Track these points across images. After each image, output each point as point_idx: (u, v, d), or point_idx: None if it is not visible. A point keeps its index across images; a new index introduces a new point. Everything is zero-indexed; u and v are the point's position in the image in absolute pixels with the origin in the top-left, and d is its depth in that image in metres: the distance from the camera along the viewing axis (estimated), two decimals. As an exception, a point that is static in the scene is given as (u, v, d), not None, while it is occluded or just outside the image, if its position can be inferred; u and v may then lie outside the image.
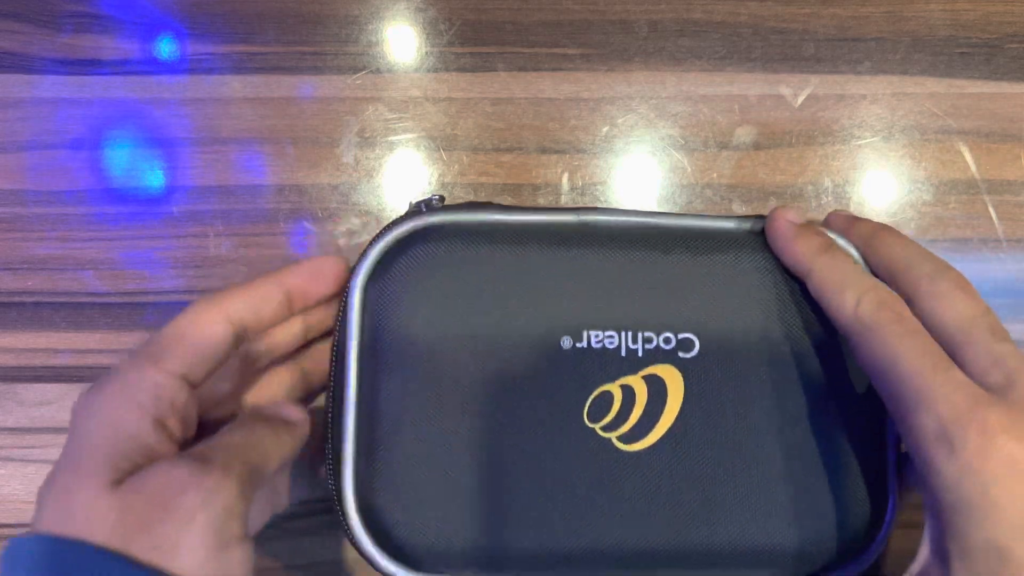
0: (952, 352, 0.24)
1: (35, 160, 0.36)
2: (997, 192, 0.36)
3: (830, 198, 0.35)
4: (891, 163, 0.36)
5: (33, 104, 0.36)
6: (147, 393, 0.23)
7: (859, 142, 0.36)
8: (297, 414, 0.27)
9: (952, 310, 0.25)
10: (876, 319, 0.24)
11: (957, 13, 0.37)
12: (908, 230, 0.36)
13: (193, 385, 0.25)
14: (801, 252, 0.27)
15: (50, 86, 0.36)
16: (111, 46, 0.36)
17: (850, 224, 0.28)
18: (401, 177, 0.36)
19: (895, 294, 0.25)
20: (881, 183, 0.36)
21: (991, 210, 0.36)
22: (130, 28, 0.36)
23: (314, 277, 0.27)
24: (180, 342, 0.25)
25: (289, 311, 0.27)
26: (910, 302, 0.25)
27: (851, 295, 0.25)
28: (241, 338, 0.26)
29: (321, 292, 0.28)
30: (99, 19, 0.36)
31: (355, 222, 0.36)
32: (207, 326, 0.25)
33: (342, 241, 0.36)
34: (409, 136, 0.36)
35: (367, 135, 0.36)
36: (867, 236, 0.28)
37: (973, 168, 0.36)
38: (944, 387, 0.22)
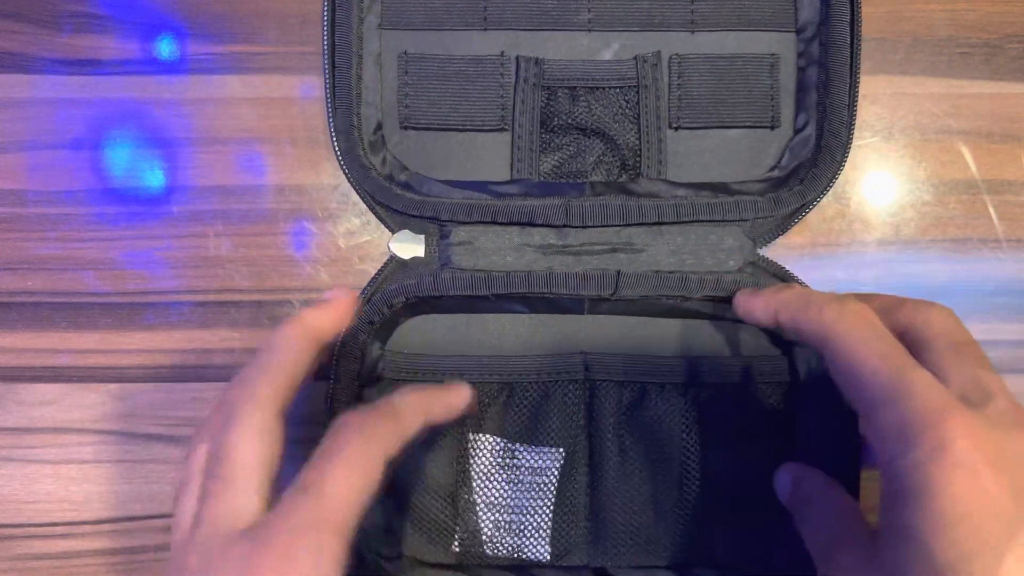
0: (936, 369, 0.24)
1: (35, 160, 0.36)
2: (997, 192, 0.36)
3: (830, 198, 0.35)
4: (891, 163, 0.36)
5: (33, 104, 0.36)
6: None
7: (859, 142, 0.36)
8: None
9: (942, 333, 0.25)
10: (847, 322, 0.25)
11: (957, 13, 0.37)
12: (908, 230, 0.36)
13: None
14: (769, 305, 0.29)
15: (50, 86, 0.36)
16: (111, 46, 0.36)
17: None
18: (401, 177, 0.36)
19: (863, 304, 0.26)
20: (881, 183, 0.36)
21: (991, 210, 0.36)
22: (130, 28, 0.36)
23: (334, 316, 0.28)
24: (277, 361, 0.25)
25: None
26: (900, 332, 0.25)
27: (817, 306, 0.26)
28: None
29: (337, 329, 0.29)
30: (99, 19, 0.36)
31: (355, 222, 0.36)
32: (303, 359, 0.26)
33: (342, 241, 0.36)
34: (409, 136, 0.36)
35: (367, 135, 0.36)
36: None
37: (973, 168, 0.36)
38: (915, 384, 0.22)
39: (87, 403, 0.35)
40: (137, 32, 0.36)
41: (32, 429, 0.35)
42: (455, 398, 0.29)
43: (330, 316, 0.27)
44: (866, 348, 0.24)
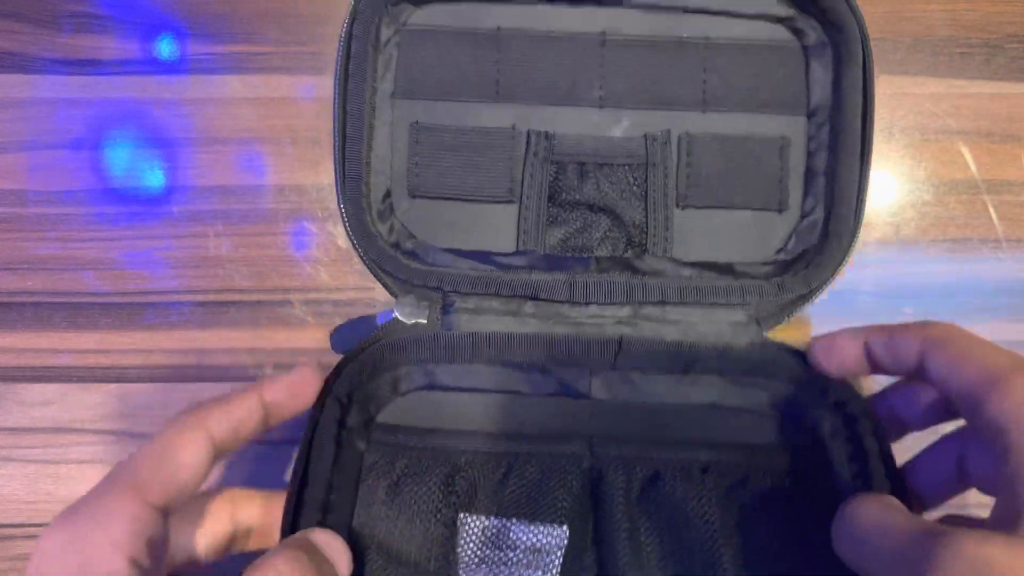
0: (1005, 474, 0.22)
1: (35, 160, 0.36)
2: (997, 192, 0.36)
3: (830, 198, 0.35)
4: (891, 163, 0.36)
5: (33, 104, 0.36)
6: (124, 528, 0.21)
7: (859, 142, 0.36)
8: (346, 562, 0.25)
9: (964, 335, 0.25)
10: (945, 332, 0.25)
11: (957, 13, 0.37)
12: (908, 230, 0.36)
13: (168, 514, 0.23)
14: (856, 337, 0.27)
15: (50, 86, 0.36)
16: (111, 46, 0.36)
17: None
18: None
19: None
20: (881, 183, 0.36)
21: (991, 210, 0.36)
22: (130, 28, 0.36)
23: (294, 394, 0.27)
24: (161, 468, 0.23)
25: (265, 427, 0.26)
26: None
27: (905, 327, 0.26)
28: (219, 458, 0.25)
29: (299, 408, 0.27)
30: (99, 19, 0.36)
31: (355, 222, 0.36)
32: (190, 450, 0.24)
33: (342, 241, 0.36)
34: (409, 136, 0.36)
35: (367, 135, 0.36)
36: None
37: (973, 168, 0.36)
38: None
39: (87, 403, 0.35)
40: (137, 32, 0.36)
41: (32, 429, 0.35)
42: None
43: (288, 394, 0.27)
44: (969, 345, 0.24)
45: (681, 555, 0.30)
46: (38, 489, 0.35)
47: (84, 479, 0.35)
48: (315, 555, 0.24)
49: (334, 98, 0.32)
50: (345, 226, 0.32)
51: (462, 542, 0.31)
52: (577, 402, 0.33)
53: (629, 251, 0.33)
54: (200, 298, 0.35)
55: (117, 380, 0.35)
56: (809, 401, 0.30)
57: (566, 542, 0.30)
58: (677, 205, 0.33)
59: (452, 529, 0.31)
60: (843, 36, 0.31)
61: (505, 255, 0.33)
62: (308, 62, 0.36)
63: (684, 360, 0.31)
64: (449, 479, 0.31)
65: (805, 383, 0.30)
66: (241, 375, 0.35)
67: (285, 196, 0.36)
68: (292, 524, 0.26)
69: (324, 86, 0.36)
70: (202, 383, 0.35)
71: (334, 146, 0.32)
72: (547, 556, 0.30)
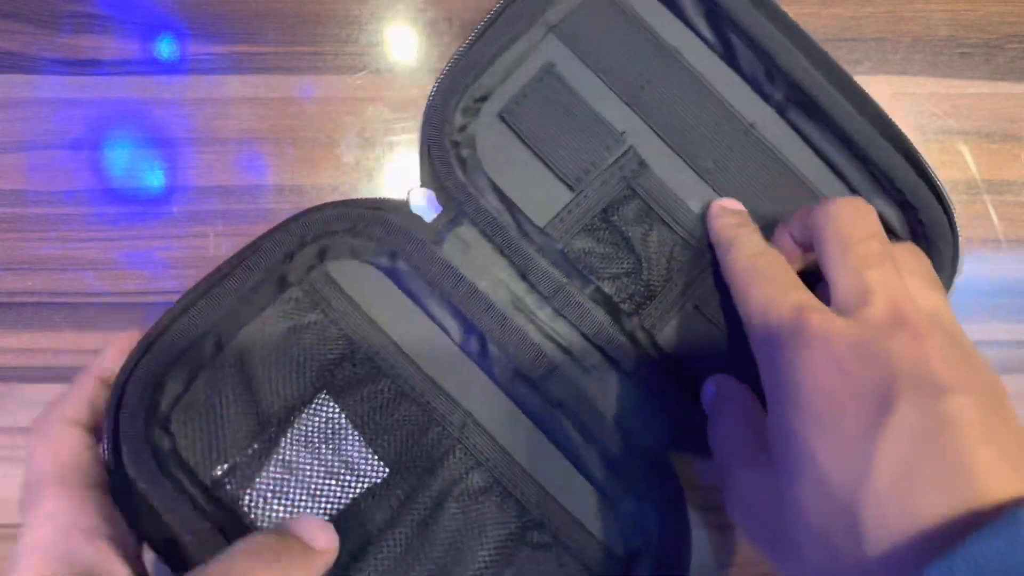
0: (825, 273, 0.25)
1: (35, 160, 0.36)
2: (997, 192, 0.36)
3: (830, 198, 0.35)
4: (891, 163, 0.36)
5: (33, 104, 0.36)
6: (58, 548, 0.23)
7: (859, 142, 0.36)
8: (326, 539, 0.25)
9: (834, 233, 0.26)
10: (730, 235, 0.29)
11: (957, 13, 0.37)
12: (908, 230, 0.36)
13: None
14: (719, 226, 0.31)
15: (50, 86, 0.36)
16: (111, 46, 0.36)
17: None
18: (401, 177, 0.36)
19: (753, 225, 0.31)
20: (881, 183, 0.36)
21: (991, 210, 0.36)
22: (130, 28, 0.36)
23: (120, 356, 0.28)
24: (53, 473, 0.25)
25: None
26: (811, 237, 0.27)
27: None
28: (95, 431, 0.27)
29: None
30: (99, 19, 0.36)
31: (355, 222, 0.36)
32: (67, 442, 0.26)
33: (342, 241, 0.36)
34: (409, 136, 0.36)
35: (367, 135, 0.36)
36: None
37: (973, 168, 0.36)
38: (781, 296, 0.26)
39: (87, 403, 0.35)
40: (137, 32, 0.36)
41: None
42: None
43: (119, 359, 0.28)
44: (751, 285, 0.27)
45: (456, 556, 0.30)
46: None
47: (84, 479, 0.35)
48: (284, 540, 0.24)
49: None
50: (433, 91, 0.32)
51: (305, 418, 0.30)
52: (486, 382, 0.32)
53: (627, 303, 0.33)
54: (200, 298, 0.35)
55: (117, 380, 0.35)
56: None
57: (373, 481, 0.30)
58: (694, 304, 0.33)
59: (308, 400, 0.30)
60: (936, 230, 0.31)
61: (531, 225, 0.33)
62: (308, 62, 0.36)
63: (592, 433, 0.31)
64: (340, 358, 0.31)
65: None
66: (241, 375, 0.35)
67: (285, 196, 0.36)
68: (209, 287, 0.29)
69: (324, 86, 0.36)
70: (202, 383, 0.35)
71: (475, 29, 0.32)
72: (349, 480, 0.30)
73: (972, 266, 0.36)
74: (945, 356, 0.22)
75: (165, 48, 0.36)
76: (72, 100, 0.36)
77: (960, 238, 0.35)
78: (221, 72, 0.36)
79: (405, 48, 0.37)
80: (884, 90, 0.36)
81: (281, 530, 0.25)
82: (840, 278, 0.25)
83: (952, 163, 0.36)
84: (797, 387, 0.23)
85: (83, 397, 0.27)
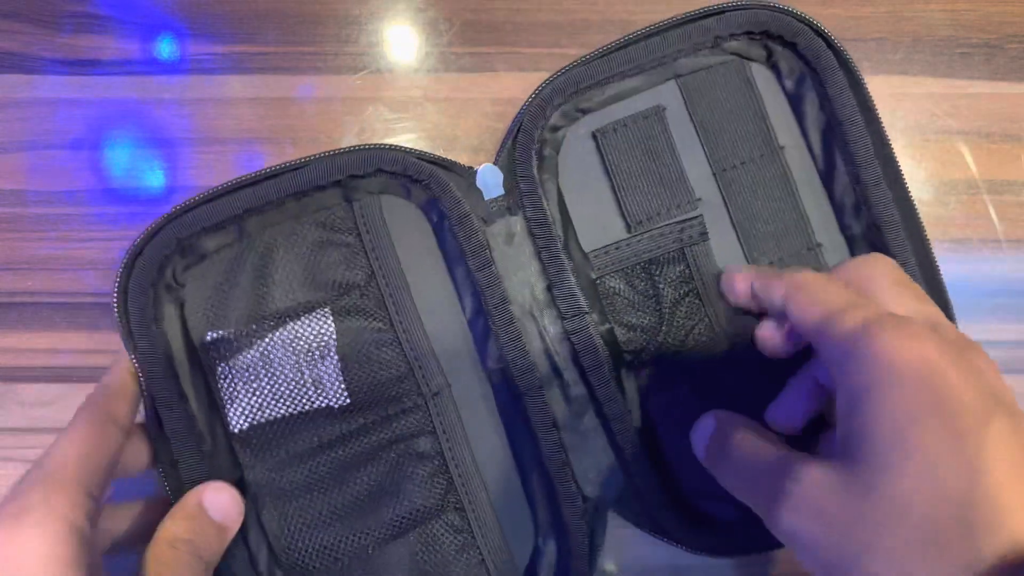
0: (882, 304, 0.26)
1: (35, 160, 0.36)
2: (997, 192, 0.36)
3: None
4: (891, 163, 0.36)
5: (33, 104, 0.36)
6: (62, 528, 0.23)
7: (859, 142, 0.36)
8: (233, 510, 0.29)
9: (883, 275, 0.27)
10: (802, 279, 0.27)
11: (957, 13, 0.37)
12: (908, 230, 0.36)
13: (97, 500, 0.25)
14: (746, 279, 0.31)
15: (50, 86, 0.36)
16: (111, 46, 0.36)
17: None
18: (401, 177, 0.36)
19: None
20: (881, 183, 0.36)
21: (991, 210, 0.36)
22: (130, 28, 0.36)
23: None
24: (89, 461, 0.25)
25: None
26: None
27: (780, 277, 0.29)
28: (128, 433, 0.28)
29: None
30: (99, 19, 0.36)
31: (355, 222, 0.36)
32: (108, 439, 0.27)
33: (342, 241, 0.36)
34: (409, 136, 0.36)
35: (367, 135, 0.36)
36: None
37: (973, 168, 0.36)
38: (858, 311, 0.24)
39: (87, 403, 0.35)
40: (137, 32, 0.36)
41: (32, 429, 0.35)
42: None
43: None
44: (818, 288, 0.26)
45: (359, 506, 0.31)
46: None
47: (84, 479, 0.35)
48: (200, 522, 0.28)
49: None
50: (544, 84, 0.33)
51: (300, 323, 0.32)
52: (476, 365, 0.32)
53: (632, 357, 0.33)
54: (200, 298, 0.35)
55: (117, 380, 0.35)
56: None
57: (331, 404, 0.31)
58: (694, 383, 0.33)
59: (310, 310, 0.32)
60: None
61: (576, 244, 0.33)
62: (308, 62, 0.36)
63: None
64: (354, 285, 0.32)
65: None
66: (241, 375, 0.35)
67: (285, 196, 0.36)
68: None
69: (324, 86, 0.36)
70: (202, 383, 0.35)
71: (602, 47, 0.33)
72: (310, 393, 0.31)
73: (972, 266, 0.36)
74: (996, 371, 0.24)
75: (165, 48, 0.36)
76: (72, 100, 0.36)
77: (959, 236, 0.35)
78: (221, 72, 0.36)
79: (405, 48, 0.37)
80: (884, 90, 0.36)
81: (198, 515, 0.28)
82: (901, 307, 0.25)
83: (952, 163, 0.36)
84: (900, 377, 0.22)
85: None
